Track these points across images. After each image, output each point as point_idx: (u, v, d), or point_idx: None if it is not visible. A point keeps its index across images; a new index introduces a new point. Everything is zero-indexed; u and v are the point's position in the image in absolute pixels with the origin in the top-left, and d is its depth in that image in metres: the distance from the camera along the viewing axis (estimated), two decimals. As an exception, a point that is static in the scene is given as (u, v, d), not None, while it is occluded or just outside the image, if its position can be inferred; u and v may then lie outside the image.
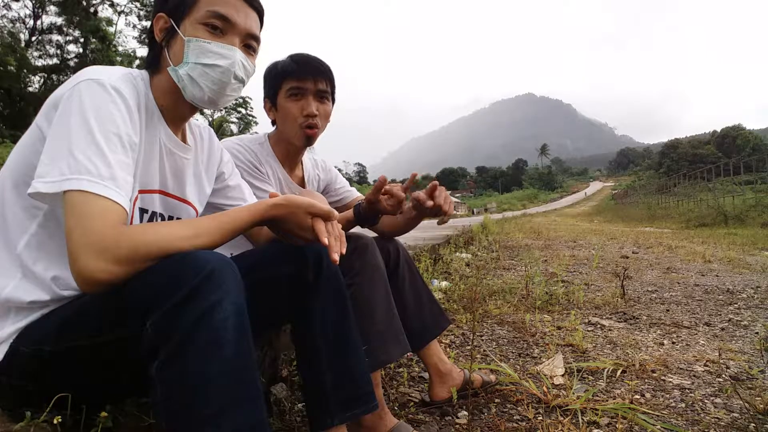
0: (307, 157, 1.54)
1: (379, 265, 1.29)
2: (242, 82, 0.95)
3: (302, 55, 1.36)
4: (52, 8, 23.67)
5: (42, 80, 24.67)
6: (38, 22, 24.04)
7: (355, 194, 1.65)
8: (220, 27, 0.90)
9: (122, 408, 0.97)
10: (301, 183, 1.53)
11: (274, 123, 1.44)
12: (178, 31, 0.89)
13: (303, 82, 1.32)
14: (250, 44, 0.95)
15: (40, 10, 23.56)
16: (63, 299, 0.84)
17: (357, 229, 1.37)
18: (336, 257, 0.87)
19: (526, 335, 2.27)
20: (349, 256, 1.26)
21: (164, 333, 0.67)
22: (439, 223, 1.27)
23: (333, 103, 1.42)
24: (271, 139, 1.45)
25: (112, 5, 24.56)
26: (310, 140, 1.37)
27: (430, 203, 1.23)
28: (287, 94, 1.34)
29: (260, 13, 0.97)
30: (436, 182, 1.26)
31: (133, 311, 0.71)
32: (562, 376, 1.71)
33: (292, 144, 1.40)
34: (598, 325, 2.45)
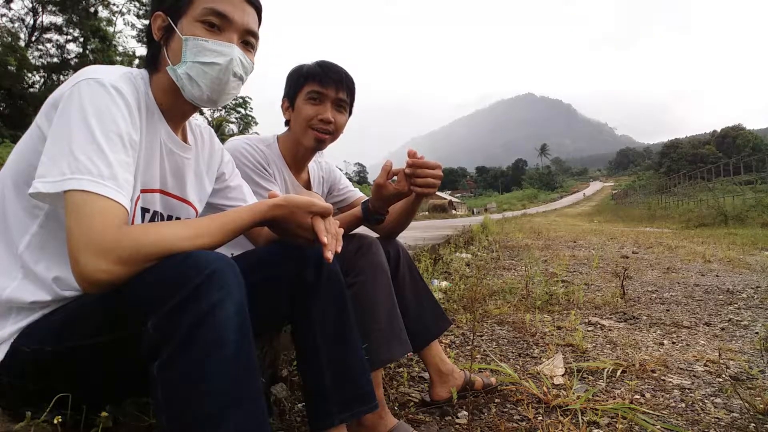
0: (311, 159, 1.54)
1: (382, 264, 1.29)
2: (241, 79, 0.94)
3: (329, 63, 1.38)
4: (52, 8, 23.67)
5: (42, 80, 24.68)
6: (38, 22, 24.05)
7: (358, 194, 1.66)
8: (217, 24, 0.89)
9: (122, 408, 0.97)
10: (307, 185, 1.54)
11: (286, 123, 1.44)
12: (176, 30, 0.89)
13: (324, 88, 1.33)
14: (248, 41, 0.95)
15: (39, 9, 23.56)
16: (64, 299, 0.84)
17: (360, 230, 1.38)
18: (330, 255, 0.87)
19: (526, 335, 2.27)
20: (353, 255, 1.27)
21: (165, 333, 0.67)
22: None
23: (350, 115, 1.43)
24: (281, 141, 1.46)
25: (107, 6, 24.55)
26: (320, 144, 1.38)
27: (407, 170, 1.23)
28: (306, 97, 1.34)
29: (258, 10, 0.96)
30: (414, 151, 1.25)
31: (134, 311, 0.71)
32: (562, 376, 1.71)
33: (302, 145, 1.40)
34: (598, 325, 2.45)
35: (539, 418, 1.36)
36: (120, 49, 25.71)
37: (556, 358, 1.85)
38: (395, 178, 1.28)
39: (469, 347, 2.07)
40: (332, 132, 1.37)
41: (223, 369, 0.67)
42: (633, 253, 5.90)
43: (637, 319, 2.59)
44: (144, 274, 0.72)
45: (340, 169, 1.68)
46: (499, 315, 2.66)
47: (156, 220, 0.97)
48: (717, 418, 1.36)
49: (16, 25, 23.43)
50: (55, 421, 0.78)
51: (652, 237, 8.83)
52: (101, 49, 23.89)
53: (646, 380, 1.67)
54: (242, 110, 39.56)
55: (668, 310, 2.78)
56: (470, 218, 22.31)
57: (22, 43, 22.81)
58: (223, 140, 1.29)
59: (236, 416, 0.67)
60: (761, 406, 1.36)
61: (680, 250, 6.00)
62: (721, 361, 1.82)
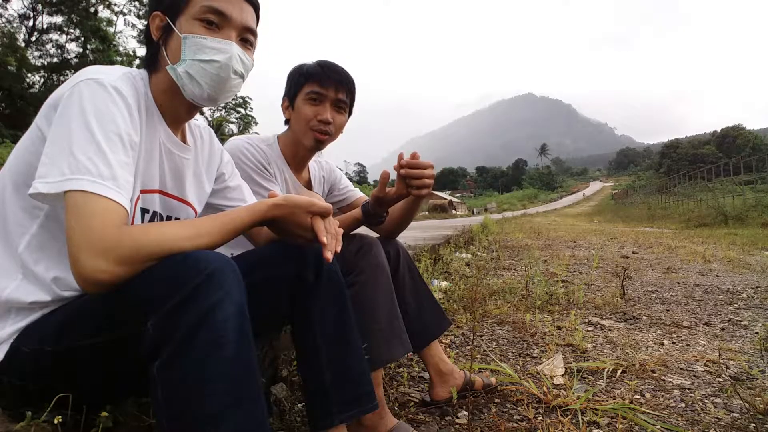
0: (312, 159, 1.54)
1: (383, 265, 1.30)
2: (241, 76, 0.94)
3: (329, 63, 1.38)
4: (49, 9, 23.66)
5: (42, 80, 24.67)
6: (38, 22, 24.05)
7: (358, 194, 1.66)
8: (215, 22, 0.89)
9: (122, 408, 0.97)
10: (308, 184, 1.54)
11: (286, 123, 1.44)
12: (174, 29, 0.89)
13: (324, 89, 1.33)
14: (247, 38, 0.95)
15: (39, 7, 23.54)
16: (64, 300, 0.84)
17: (360, 230, 1.38)
18: (329, 255, 0.87)
19: (526, 335, 2.27)
20: (354, 255, 1.27)
21: (165, 333, 0.67)
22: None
23: (349, 116, 1.43)
24: (281, 140, 1.46)
25: (108, 6, 24.55)
26: (319, 144, 1.38)
27: (402, 171, 1.23)
28: (306, 97, 1.35)
29: (256, 7, 0.96)
30: (415, 152, 1.26)
31: (134, 311, 0.71)
32: (562, 376, 1.71)
33: (301, 145, 1.40)
34: (598, 325, 2.45)
35: (539, 418, 1.36)
36: (120, 49, 25.70)
37: (556, 358, 1.84)
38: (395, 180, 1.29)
39: (469, 347, 2.07)
40: (331, 132, 1.37)
41: (223, 369, 0.67)
42: (633, 253, 5.90)
43: (637, 319, 2.59)
44: (144, 274, 0.72)
45: (340, 169, 1.68)
46: (499, 315, 2.66)
47: (155, 220, 0.97)
48: (717, 418, 1.36)
49: (15, 25, 23.44)
50: (55, 421, 0.78)
51: (652, 237, 8.83)
52: (101, 49, 23.88)
53: (646, 380, 1.67)
54: (242, 110, 39.58)
55: (668, 310, 2.78)
56: (470, 218, 22.32)
57: (21, 44, 22.79)
58: (223, 140, 1.30)
59: (236, 416, 0.67)
60: (761, 406, 1.36)
61: (680, 250, 6.00)
62: (721, 361, 1.82)
